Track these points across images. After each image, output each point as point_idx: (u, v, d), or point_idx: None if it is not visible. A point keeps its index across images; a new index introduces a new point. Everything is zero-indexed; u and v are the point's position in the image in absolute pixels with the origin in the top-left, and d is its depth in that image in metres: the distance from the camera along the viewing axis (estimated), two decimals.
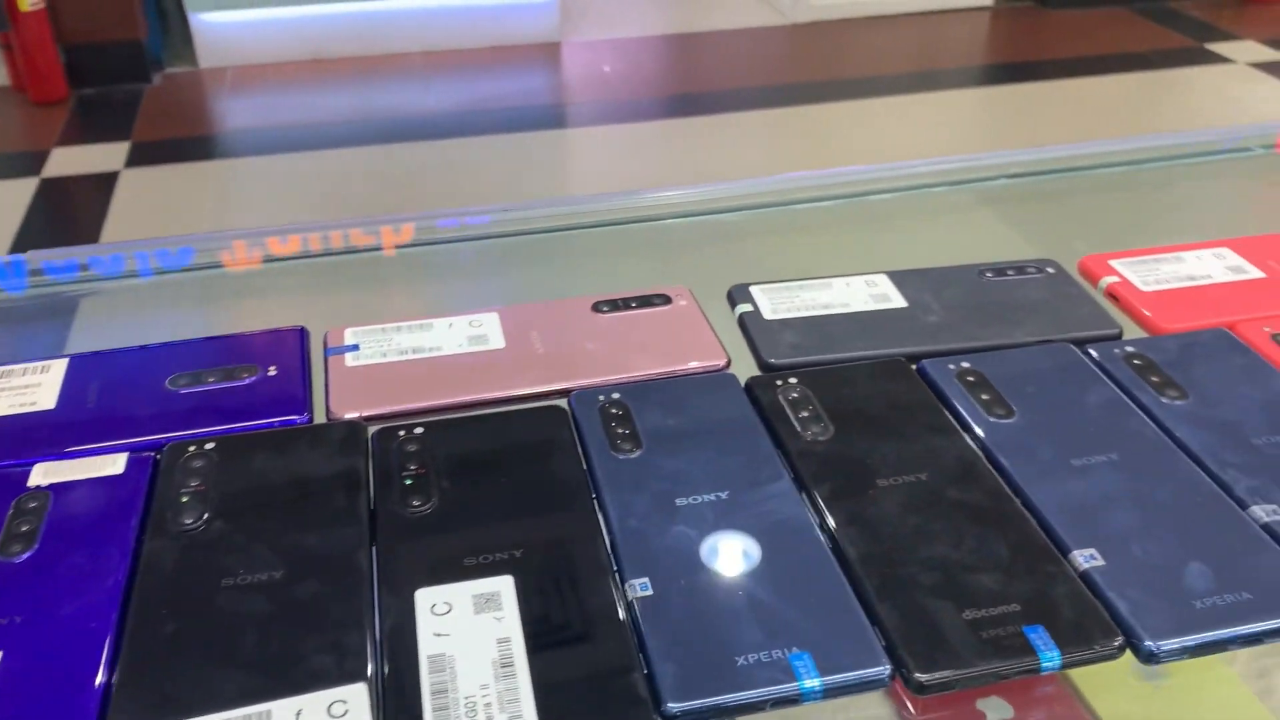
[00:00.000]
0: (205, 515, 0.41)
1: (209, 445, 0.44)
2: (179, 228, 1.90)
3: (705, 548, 0.40)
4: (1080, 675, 0.59)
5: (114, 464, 0.43)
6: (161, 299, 0.62)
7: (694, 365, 0.51)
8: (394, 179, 2.12)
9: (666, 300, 0.55)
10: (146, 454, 0.44)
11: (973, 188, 0.72)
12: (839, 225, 0.70)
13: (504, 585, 0.38)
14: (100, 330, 0.60)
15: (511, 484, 0.43)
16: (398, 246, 0.63)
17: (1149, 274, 0.57)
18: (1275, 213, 0.74)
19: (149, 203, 2.03)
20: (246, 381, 0.49)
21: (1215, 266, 0.58)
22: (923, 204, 0.71)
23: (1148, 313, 0.54)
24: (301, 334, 0.52)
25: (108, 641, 0.36)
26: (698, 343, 0.52)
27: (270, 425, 0.46)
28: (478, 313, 0.54)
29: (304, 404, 0.48)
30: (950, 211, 0.71)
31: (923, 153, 2.08)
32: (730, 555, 0.40)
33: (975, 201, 0.72)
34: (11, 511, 0.41)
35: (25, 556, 0.39)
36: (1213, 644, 0.37)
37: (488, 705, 0.34)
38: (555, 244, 0.67)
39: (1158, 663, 0.37)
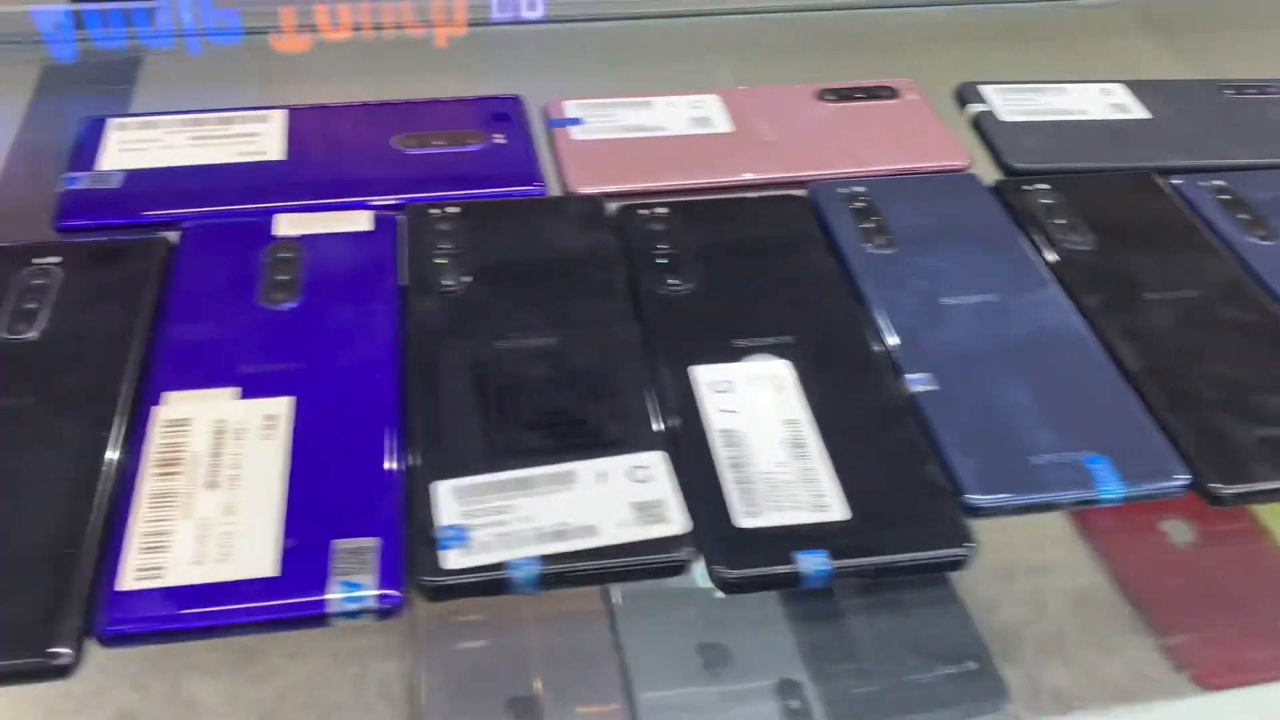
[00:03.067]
0: (463, 278, 0.40)
1: (452, 209, 0.43)
2: None
3: (981, 347, 0.39)
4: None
5: (360, 220, 0.42)
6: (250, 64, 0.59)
7: (933, 164, 0.48)
8: None
9: (893, 93, 0.52)
10: (390, 214, 0.43)
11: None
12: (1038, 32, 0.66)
13: (782, 369, 0.37)
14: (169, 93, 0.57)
15: (764, 270, 0.42)
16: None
17: None
18: None
19: None
20: (473, 148, 0.47)
21: None
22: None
23: None
24: (517, 102, 0.50)
25: (395, 393, 0.35)
26: (934, 140, 0.50)
27: (504, 195, 0.45)
28: (697, 94, 0.51)
29: (535, 175, 0.46)
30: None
31: None
32: (1009, 357, 0.39)
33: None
34: (267, 260, 0.40)
35: (291, 306, 0.38)
36: None
37: (789, 482, 0.34)
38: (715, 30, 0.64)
39: None
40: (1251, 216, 0.46)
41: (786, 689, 0.45)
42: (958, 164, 0.48)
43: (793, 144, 0.49)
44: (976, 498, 0.34)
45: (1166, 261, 0.43)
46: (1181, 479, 0.35)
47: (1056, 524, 0.56)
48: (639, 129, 0.49)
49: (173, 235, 0.41)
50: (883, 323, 0.40)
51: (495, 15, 0.61)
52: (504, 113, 0.49)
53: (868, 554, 0.32)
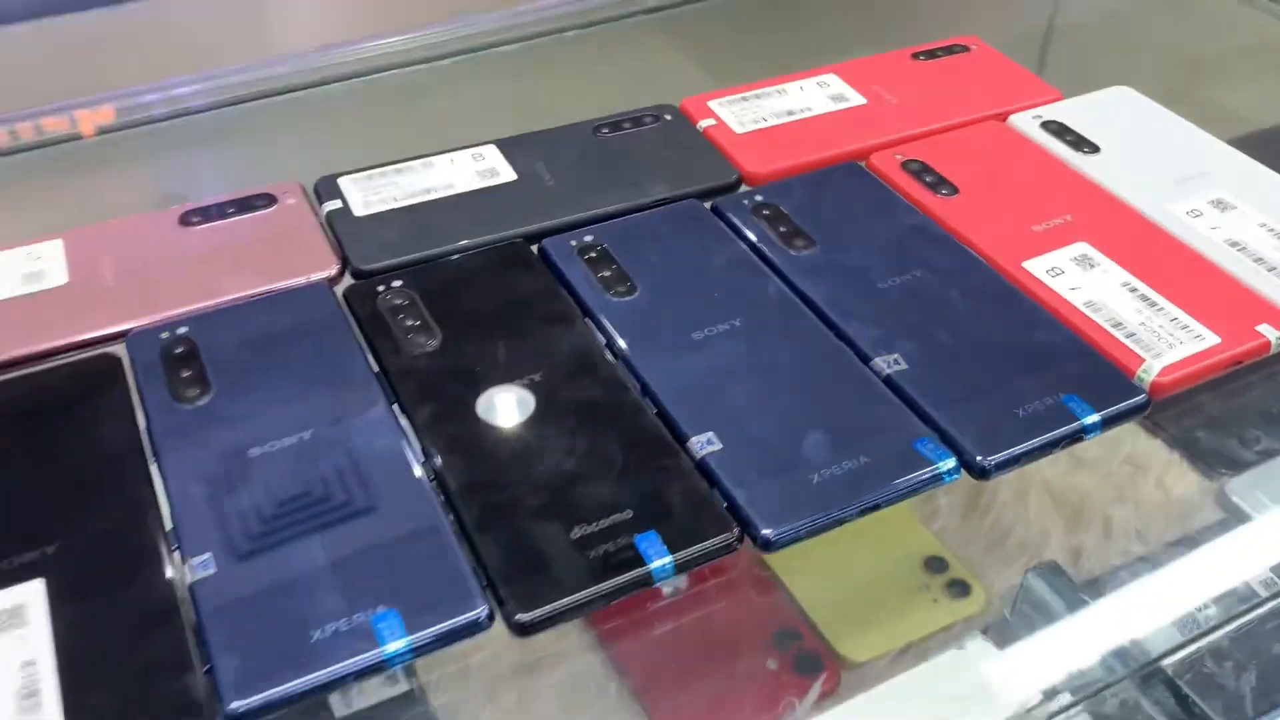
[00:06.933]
0: None
1: None
2: None
3: (276, 505, 0.35)
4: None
5: None
6: None
7: (299, 280, 0.44)
8: None
9: (271, 201, 0.48)
10: None
11: (596, 30, 0.66)
12: (451, 88, 0.63)
13: (31, 594, 0.32)
14: None
15: (44, 462, 0.36)
16: None
17: (746, 113, 0.53)
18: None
19: None
20: None
21: (818, 96, 0.55)
22: (545, 54, 0.65)
23: (740, 157, 0.50)
24: None
25: None
26: (306, 250, 0.45)
27: None
28: (34, 243, 0.45)
29: None
30: (581, 58, 0.66)
31: None
32: (306, 510, 0.35)
33: (601, 45, 0.66)
34: None
35: None
36: (824, 524, 0.35)
37: None
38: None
39: (775, 550, 0.35)
40: (613, 272, 0.44)
41: None
42: (325, 273, 0.44)
43: (134, 287, 0.43)
44: (237, 704, 0.30)
45: (516, 344, 0.41)
46: (477, 610, 0.32)
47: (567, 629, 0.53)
48: None
49: None
50: (173, 495, 0.35)
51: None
52: None
53: None
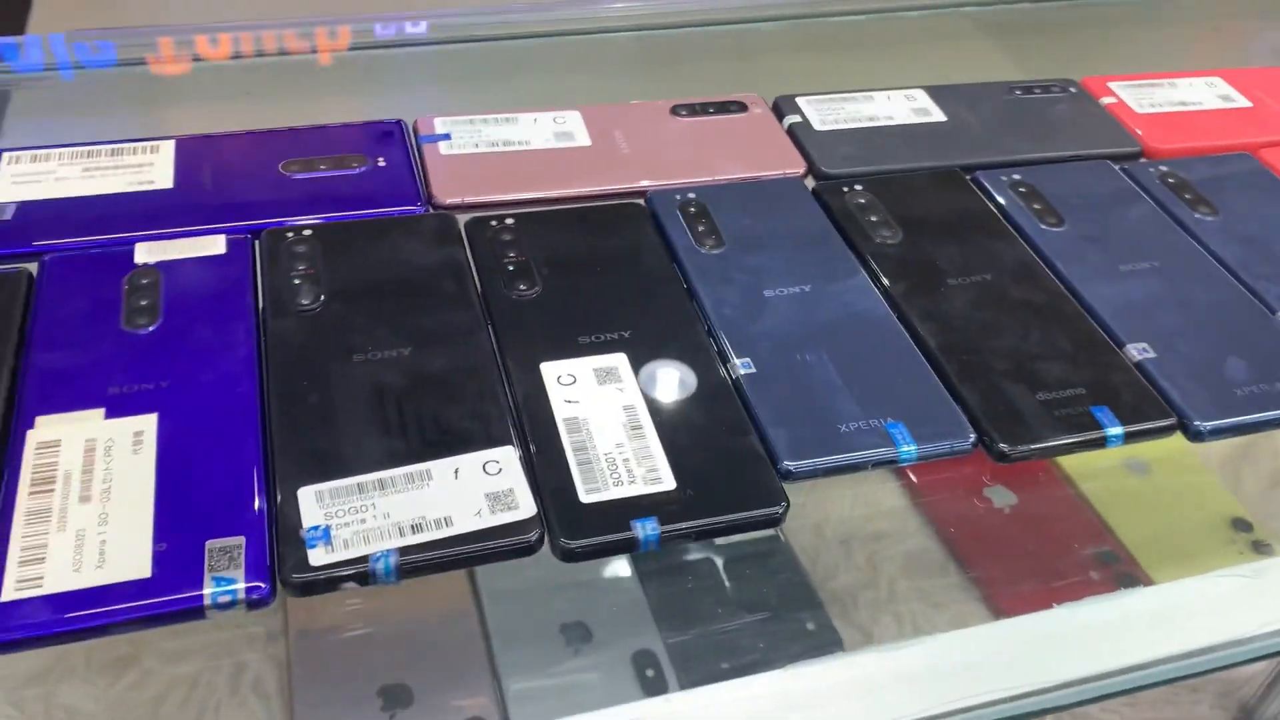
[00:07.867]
0: (320, 296, 0.42)
1: (307, 231, 0.45)
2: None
3: (797, 332, 0.43)
4: (1072, 468, 0.65)
5: (216, 244, 0.44)
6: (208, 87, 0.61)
7: (772, 172, 0.53)
8: None
9: (742, 108, 0.57)
10: (244, 236, 0.45)
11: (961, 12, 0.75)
12: (841, 43, 0.73)
13: (620, 361, 0.41)
14: (35, 126, 0.59)
15: (605, 272, 0.46)
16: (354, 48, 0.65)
17: (1144, 98, 0.60)
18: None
19: None
20: (359, 171, 0.50)
21: (1207, 94, 0.61)
22: (910, 28, 0.74)
23: (1141, 133, 0.57)
24: (401, 126, 0.53)
25: (256, 405, 0.38)
26: (775, 151, 0.54)
27: (387, 214, 0.48)
28: (560, 110, 0.55)
29: (417, 194, 0.49)
30: (942, 36, 0.74)
31: None
32: (821, 339, 0.43)
33: (964, 28, 0.75)
34: (128, 287, 0.42)
35: (152, 329, 0.40)
36: (1250, 425, 0.42)
37: (625, 460, 0.37)
38: (559, 50, 0.69)
39: (1203, 440, 0.42)
40: (1043, 206, 0.51)
41: (641, 659, 0.49)
42: (796, 171, 0.53)
43: (645, 156, 0.52)
44: (790, 463, 0.38)
45: (965, 250, 0.48)
46: (969, 439, 0.40)
47: (890, 497, 0.61)
48: (505, 143, 0.52)
49: (33, 266, 0.43)
50: (710, 315, 0.44)
51: (379, 34, 0.65)
52: (388, 135, 0.52)
53: (693, 517, 0.36)
